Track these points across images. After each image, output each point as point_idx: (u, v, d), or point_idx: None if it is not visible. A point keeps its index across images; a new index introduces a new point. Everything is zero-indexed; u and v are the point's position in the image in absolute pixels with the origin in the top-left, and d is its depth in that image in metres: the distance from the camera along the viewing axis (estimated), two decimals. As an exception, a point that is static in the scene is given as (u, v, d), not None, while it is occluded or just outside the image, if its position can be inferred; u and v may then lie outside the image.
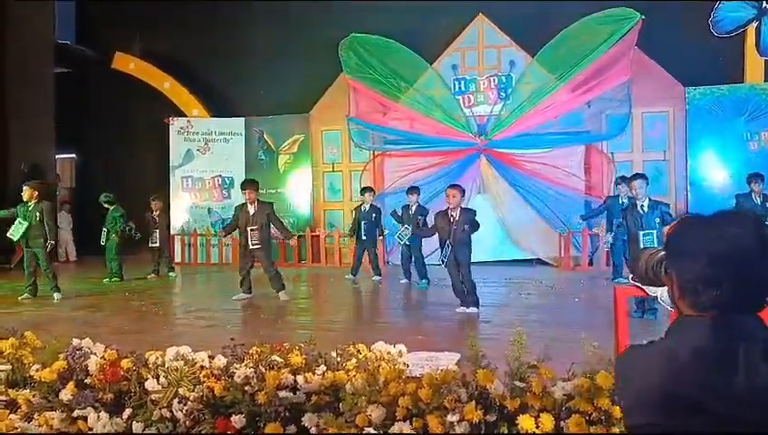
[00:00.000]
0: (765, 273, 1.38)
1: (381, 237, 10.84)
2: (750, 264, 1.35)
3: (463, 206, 7.76)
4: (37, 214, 8.87)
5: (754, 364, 1.30)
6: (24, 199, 8.98)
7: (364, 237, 10.28)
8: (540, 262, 11.75)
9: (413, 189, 9.78)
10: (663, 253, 1.56)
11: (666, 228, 6.57)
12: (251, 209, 8.49)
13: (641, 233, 6.72)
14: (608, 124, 11.57)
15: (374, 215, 10.35)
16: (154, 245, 11.24)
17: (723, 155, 11.25)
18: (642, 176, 7.22)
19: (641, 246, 6.66)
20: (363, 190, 10.61)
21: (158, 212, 11.32)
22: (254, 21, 13.95)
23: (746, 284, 1.36)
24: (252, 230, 8.40)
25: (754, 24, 11.44)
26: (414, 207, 9.58)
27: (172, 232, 13.01)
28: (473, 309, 7.37)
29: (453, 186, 7.65)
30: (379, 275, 10.41)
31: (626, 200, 8.61)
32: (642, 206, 6.87)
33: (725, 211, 1.45)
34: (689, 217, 1.47)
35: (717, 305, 1.36)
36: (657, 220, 6.74)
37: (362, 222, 10.27)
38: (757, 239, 1.36)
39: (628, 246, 7.34)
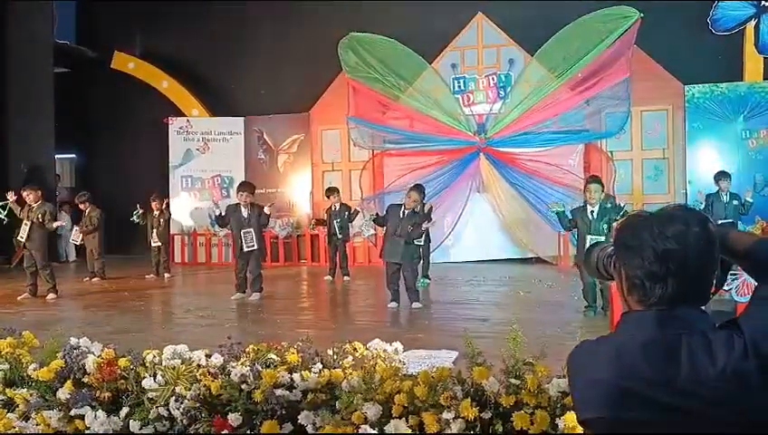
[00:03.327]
0: (709, 268, 1.43)
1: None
2: (694, 260, 1.39)
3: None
4: (39, 215, 8.95)
5: (697, 357, 1.34)
6: (29, 202, 9.04)
7: (339, 235, 10.37)
8: (539, 260, 11.75)
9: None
10: (612, 248, 1.59)
11: (615, 224, 6.67)
12: (244, 212, 8.52)
13: (589, 237, 6.78)
14: (607, 123, 11.56)
15: (346, 213, 10.41)
16: (156, 244, 11.27)
17: (722, 153, 11.25)
18: (596, 180, 7.28)
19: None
20: (329, 192, 10.60)
21: (158, 212, 11.35)
22: (254, 20, 13.95)
23: (691, 279, 1.40)
24: (246, 233, 8.46)
25: (753, 22, 11.43)
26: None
27: (172, 232, 13.02)
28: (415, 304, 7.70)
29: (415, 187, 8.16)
30: (348, 275, 10.46)
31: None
32: (593, 211, 6.94)
33: (670, 207, 1.49)
34: (637, 213, 1.51)
35: (663, 301, 1.40)
36: (605, 226, 6.80)
37: (336, 220, 10.33)
38: (701, 235, 1.40)
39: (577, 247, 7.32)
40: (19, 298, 8.91)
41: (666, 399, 1.34)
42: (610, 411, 1.38)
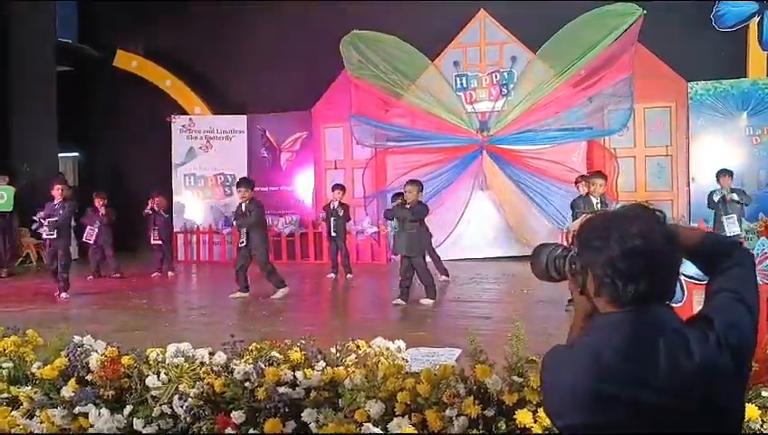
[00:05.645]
0: (674, 264, 1.46)
1: (348, 234, 11.00)
2: (660, 256, 1.41)
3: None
4: (61, 212, 8.98)
5: (675, 355, 1.35)
6: (56, 197, 9.08)
7: (334, 234, 10.40)
8: (542, 258, 11.73)
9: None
10: (562, 249, 1.60)
11: (574, 225, 7.02)
12: (243, 207, 8.59)
13: None
14: (609, 120, 11.55)
15: (342, 211, 10.44)
16: (156, 242, 11.25)
17: (725, 150, 11.21)
18: (599, 174, 7.59)
19: None
20: (334, 188, 10.67)
21: (160, 209, 11.35)
22: (256, 18, 13.93)
23: (659, 276, 1.42)
24: (240, 226, 8.55)
25: (757, 19, 11.39)
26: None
27: (175, 229, 13.06)
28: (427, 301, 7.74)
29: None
30: (351, 272, 10.45)
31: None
32: (597, 202, 7.12)
33: (629, 206, 1.51)
34: (597, 213, 1.54)
35: (636, 299, 1.40)
36: None
37: (332, 218, 10.36)
38: (663, 232, 1.43)
39: None
40: (53, 294, 8.93)
41: (647, 398, 1.34)
42: (592, 416, 1.37)
